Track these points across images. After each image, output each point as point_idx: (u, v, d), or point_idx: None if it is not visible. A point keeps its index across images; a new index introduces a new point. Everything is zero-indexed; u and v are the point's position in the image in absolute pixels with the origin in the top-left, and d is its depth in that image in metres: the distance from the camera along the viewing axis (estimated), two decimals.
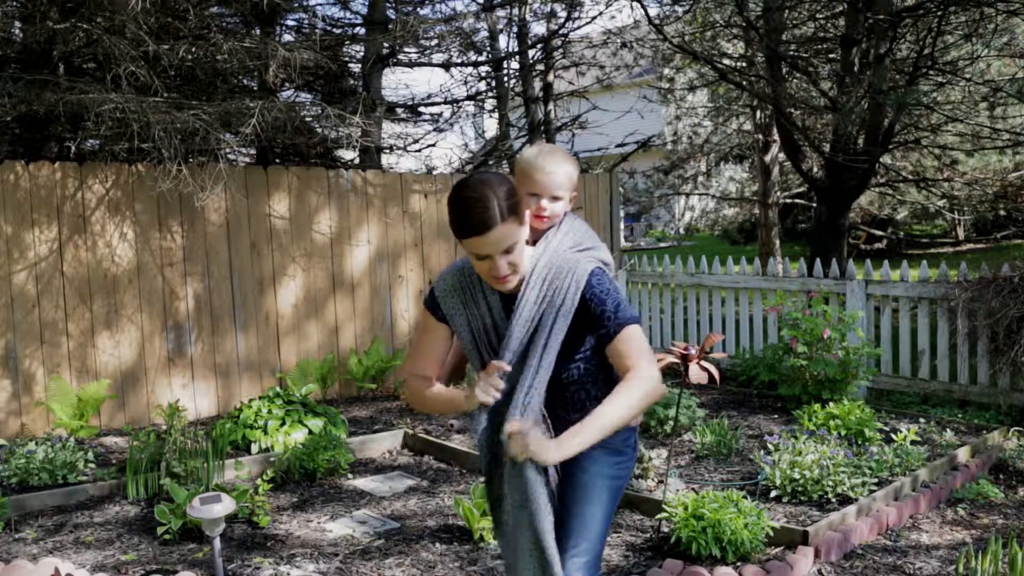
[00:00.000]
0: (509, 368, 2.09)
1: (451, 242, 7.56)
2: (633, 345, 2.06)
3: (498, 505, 2.26)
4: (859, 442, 4.97)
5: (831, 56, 9.86)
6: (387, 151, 9.66)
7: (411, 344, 2.45)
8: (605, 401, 2.00)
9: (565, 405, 2.25)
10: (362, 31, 8.72)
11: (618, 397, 1.99)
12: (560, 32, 10.14)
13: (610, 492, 2.26)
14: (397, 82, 34.45)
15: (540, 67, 10.41)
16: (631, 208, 18.01)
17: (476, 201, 2.00)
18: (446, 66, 9.42)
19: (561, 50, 10.46)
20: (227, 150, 7.28)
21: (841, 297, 6.64)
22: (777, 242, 13.17)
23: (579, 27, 10.10)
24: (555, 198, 2.26)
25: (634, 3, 9.10)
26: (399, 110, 9.90)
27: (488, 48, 10.22)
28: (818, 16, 9.96)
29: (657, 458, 4.51)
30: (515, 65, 10.47)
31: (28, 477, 4.67)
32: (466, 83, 10.25)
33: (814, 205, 10.46)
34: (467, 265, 2.25)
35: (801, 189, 14.75)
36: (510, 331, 2.14)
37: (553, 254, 2.19)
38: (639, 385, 2.01)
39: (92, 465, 4.92)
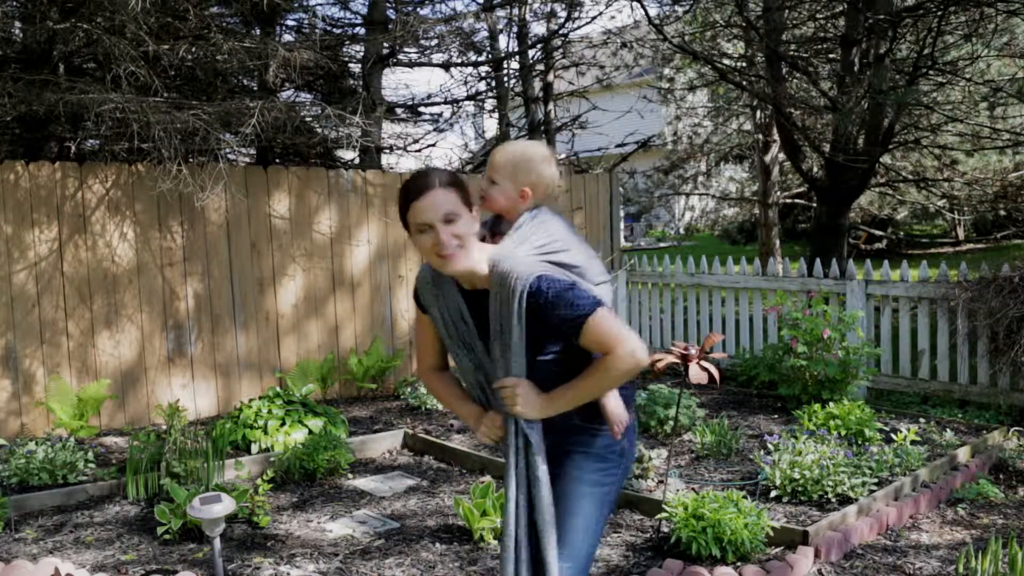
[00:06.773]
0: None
1: None
2: (601, 332, 2.03)
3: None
4: (859, 442, 4.97)
5: (831, 56, 9.86)
6: (387, 151, 9.66)
7: (414, 342, 2.52)
8: (582, 375, 2.11)
9: None
10: (362, 31, 8.72)
11: (591, 375, 2.10)
12: (560, 32, 10.14)
13: (594, 500, 2.22)
14: (397, 82, 34.55)
15: (540, 67, 10.41)
16: (631, 208, 18.01)
17: (415, 174, 2.14)
18: (446, 66, 9.42)
19: (561, 50, 10.46)
20: (227, 150, 7.29)
21: (841, 297, 6.63)
22: (777, 242, 13.17)
23: (579, 27, 10.10)
24: (490, 181, 2.31)
25: (634, 3, 9.09)
26: (399, 110, 9.90)
27: (488, 48, 10.22)
28: (818, 16, 9.95)
29: (657, 458, 4.51)
30: (515, 65, 10.47)
31: (28, 477, 4.67)
32: (466, 83, 10.25)
33: (814, 205, 10.46)
34: None
35: (801, 189, 14.73)
36: (492, 350, 2.16)
37: (504, 258, 2.12)
38: (609, 367, 2.06)
39: (92, 465, 4.91)
